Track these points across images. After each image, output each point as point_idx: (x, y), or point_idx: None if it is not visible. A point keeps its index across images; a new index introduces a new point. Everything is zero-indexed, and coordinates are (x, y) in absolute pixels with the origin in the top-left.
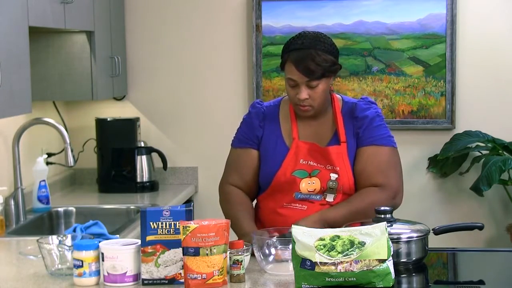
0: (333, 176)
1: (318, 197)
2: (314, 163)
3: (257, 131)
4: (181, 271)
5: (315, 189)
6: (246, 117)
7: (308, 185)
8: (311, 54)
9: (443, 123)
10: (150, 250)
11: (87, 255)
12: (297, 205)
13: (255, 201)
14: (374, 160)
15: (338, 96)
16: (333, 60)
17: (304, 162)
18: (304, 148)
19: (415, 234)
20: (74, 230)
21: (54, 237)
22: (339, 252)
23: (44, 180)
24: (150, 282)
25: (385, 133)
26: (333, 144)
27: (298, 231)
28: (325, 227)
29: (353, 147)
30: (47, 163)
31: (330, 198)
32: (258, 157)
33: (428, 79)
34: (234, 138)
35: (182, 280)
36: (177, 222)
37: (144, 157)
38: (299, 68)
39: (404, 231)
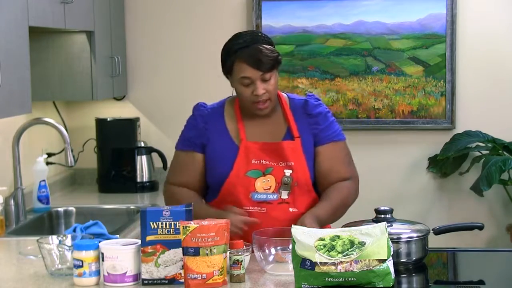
0: (287, 172)
1: (275, 196)
2: (267, 161)
3: (202, 133)
4: (181, 271)
5: (270, 187)
6: (191, 119)
7: (263, 183)
8: (258, 48)
9: (443, 123)
10: (150, 250)
11: (87, 255)
12: (256, 208)
13: None
14: (338, 156)
15: (283, 94)
16: (277, 50)
17: (256, 161)
18: (254, 148)
19: (415, 234)
20: (74, 230)
21: (54, 237)
22: (339, 252)
23: (44, 180)
24: (150, 282)
25: (338, 128)
26: (287, 140)
27: (298, 231)
28: (320, 226)
29: (309, 143)
30: (47, 163)
31: (284, 195)
32: (202, 160)
33: (428, 79)
34: (178, 141)
35: (182, 280)
36: (177, 222)
37: (144, 157)
38: (252, 64)
39: (404, 231)
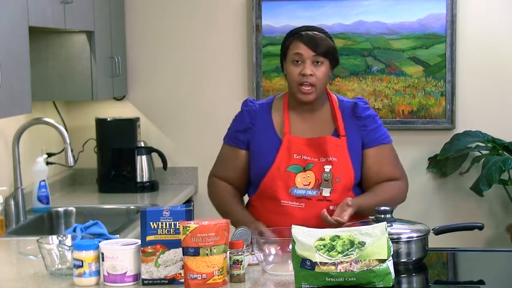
0: (327, 167)
1: (314, 192)
2: (308, 157)
3: (247, 130)
4: (181, 271)
5: (310, 183)
6: (238, 115)
7: (303, 179)
8: (316, 34)
9: (443, 123)
10: (150, 250)
11: (87, 255)
12: (295, 203)
13: (246, 199)
14: (387, 158)
15: (333, 94)
16: (334, 45)
17: (298, 156)
18: (297, 143)
19: (415, 234)
20: (74, 230)
21: (54, 237)
22: (339, 252)
23: (44, 180)
24: (150, 282)
25: (386, 131)
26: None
27: (298, 231)
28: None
29: (356, 143)
30: (47, 163)
31: (326, 192)
32: (245, 157)
33: (428, 79)
34: (226, 134)
35: (182, 280)
36: (177, 222)
37: (144, 157)
38: (306, 42)
39: (404, 231)
